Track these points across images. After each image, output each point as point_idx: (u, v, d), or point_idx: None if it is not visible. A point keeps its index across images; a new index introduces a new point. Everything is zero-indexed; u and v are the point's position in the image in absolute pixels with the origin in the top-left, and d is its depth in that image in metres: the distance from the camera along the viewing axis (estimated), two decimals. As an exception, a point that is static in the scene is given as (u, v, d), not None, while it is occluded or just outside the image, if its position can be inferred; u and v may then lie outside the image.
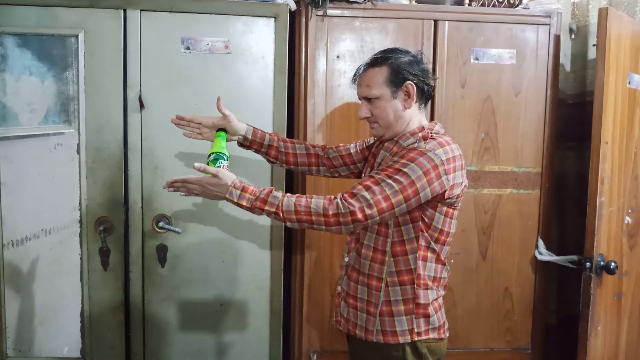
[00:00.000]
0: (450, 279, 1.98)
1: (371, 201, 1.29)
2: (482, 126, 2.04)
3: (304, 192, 1.96)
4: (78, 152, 1.84)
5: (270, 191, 1.36)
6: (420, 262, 1.40)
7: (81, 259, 1.87)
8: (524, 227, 2.09)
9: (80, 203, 1.85)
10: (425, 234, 1.40)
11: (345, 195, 1.32)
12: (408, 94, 1.43)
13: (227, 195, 1.37)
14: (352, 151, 1.69)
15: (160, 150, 1.87)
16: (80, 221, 1.86)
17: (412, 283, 1.40)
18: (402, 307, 1.41)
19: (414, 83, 1.42)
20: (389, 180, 1.31)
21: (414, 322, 1.41)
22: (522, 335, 2.13)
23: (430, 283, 1.42)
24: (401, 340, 1.41)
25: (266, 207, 1.34)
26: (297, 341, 2.06)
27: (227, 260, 1.93)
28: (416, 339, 1.41)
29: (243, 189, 1.37)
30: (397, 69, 1.42)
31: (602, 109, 1.80)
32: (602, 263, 1.84)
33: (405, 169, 1.31)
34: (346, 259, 1.53)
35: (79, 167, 1.84)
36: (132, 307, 1.90)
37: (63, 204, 1.85)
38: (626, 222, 2.00)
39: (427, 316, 1.42)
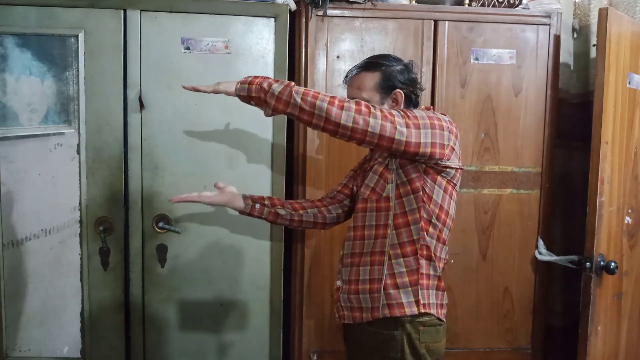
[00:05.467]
0: (450, 279, 2.00)
1: (378, 106, 1.37)
2: (482, 126, 2.04)
3: (304, 197, 1.97)
4: (78, 152, 1.84)
5: None
6: (422, 233, 1.42)
7: (81, 259, 1.87)
8: (524, 227, 2.09)
9: (80, 203, 1.85)
10: (427, 206, 1.42)
11: None
12: (396, 102, 1.49)
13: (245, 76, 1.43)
14: (345, 182, 1.72)
15: (160, 150, 1.87)
16: (80, 221, 1.86)
17: (415, 254, 1.42)
18: (406, 279, 1.42)
19: (403, 92, 1.48)
20: (399, 111, 1.37)
21: (419, 293, 1.41)
22: (522, 335, 2.13)
23: (433, 255, 1.43)
24: (407, 311, 1.40)
25: (279, 79, 1.38)
26: (297, 341, 2.06)
27: (227, 260, 1.93)
28: (422, 310, 1.41)
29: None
30: (388, 77, 1.48)
31: (602, 109, 1.80)
32: (602, 263, 1.84)
33: (413, 110, 1.41)
34: (345, 251, 1.53)
35: (79, 167, 1.84)
36: (132, 307, 1.90)
37: (63, 204, 1.85)
38: (626, 222, 2.00)
39: (429, 288, 1.43)
